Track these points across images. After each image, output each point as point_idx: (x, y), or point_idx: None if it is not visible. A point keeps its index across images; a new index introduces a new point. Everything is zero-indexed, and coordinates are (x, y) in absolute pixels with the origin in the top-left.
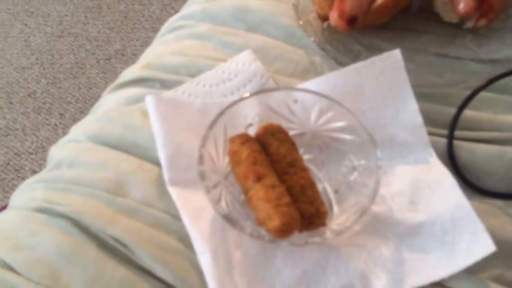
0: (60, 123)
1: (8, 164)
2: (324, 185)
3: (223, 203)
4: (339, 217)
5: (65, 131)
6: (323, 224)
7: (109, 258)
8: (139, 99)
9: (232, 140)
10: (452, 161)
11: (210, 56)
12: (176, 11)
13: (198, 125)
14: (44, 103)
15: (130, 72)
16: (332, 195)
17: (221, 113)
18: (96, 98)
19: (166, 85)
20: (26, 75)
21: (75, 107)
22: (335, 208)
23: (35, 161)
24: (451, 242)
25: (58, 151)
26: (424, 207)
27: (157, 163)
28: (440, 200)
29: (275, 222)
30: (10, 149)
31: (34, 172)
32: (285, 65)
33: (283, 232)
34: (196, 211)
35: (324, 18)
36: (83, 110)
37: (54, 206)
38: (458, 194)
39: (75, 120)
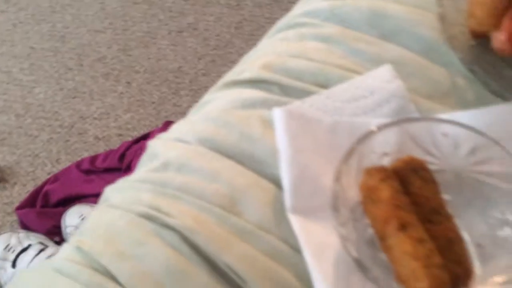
0: (127, 91)
1: (73, 126)
2: (462, 234)
3: (352, 243)
4: (484, 280)
5: (130, 100)
6: (467, 286)
7: (221, 286)
8: (257, 104)
9: (369, 173)
10: None
11: (338, 64)
12: None
13: (326, 146)
14: (113, 70)
15: (247, 71)
16: (473, 249)
17: (357, 143)
18: (163, 70)
19: (286, 91)
20: (99, 38)
21: (143, 77)
22: (477, 266)
23: (98, 127)
24: None
25: (164, 149)
26: None
27: (274, 181)
28: None
29: (424, 285)
30: (76, 112)
31: (96, 137)
32: (423, 83)
33: None
34: (319, 247)
35: (478, 35)
36: (150, 82)
37: (163, 216)
38: None
39: (141, 90)
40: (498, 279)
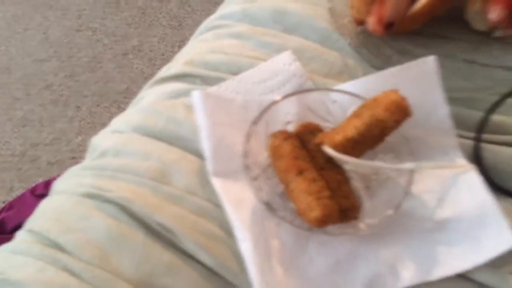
0: (77, 115)
1: (24, 154)
2: (355, 181)
3: (264, 193)
4: (371, 212)
5: (81, 123)
6: (355, 217)
7: (156, 243)
8: (182, 94)
9: (274, 135)
10: (478, 162)
11: (249, 55)
12: (193, 9)
13: (240, 120)
14: (61, 96)
15: (173, 68)
16: (362, 191)
17: (264, 111)
18: (112, 92)
19: (207, 81)
20: (44, 67)
21: (92, 100)
22: (366, 203)
23: (51, 152)
24: (476, 237)
25: (102, 141)
26: (451, 204)
27: (198, 155)
28: (467, 197)
29: (316, 213)
30: (26, 140)
31: (49, 163)
32: (320, 66)
33: (323, 222)
34: (237, 201)
35: (360, 22)
36: (99, 104)
37: (103, 192)
38: (484, 192)
39: (91, 113)
40: (380, 210)
